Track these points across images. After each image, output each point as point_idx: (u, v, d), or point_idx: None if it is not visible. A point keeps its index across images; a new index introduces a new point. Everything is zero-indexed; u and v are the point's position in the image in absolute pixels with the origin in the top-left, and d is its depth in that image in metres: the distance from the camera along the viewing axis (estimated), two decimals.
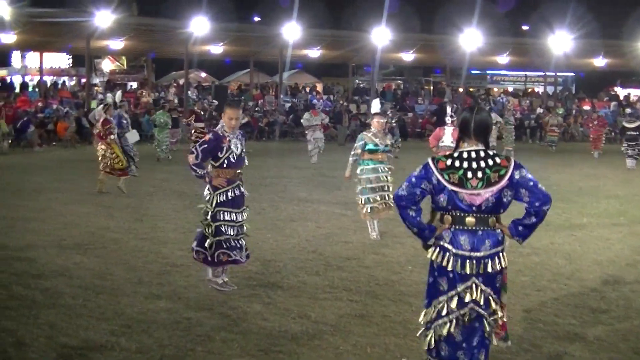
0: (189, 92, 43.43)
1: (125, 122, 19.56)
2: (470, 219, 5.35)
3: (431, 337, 5.51)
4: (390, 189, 12.20)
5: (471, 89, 56.21)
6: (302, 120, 28.72)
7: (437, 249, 5.47)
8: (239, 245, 8.82)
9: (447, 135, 13.85)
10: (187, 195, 16.26)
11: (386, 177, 12.40)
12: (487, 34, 44.21)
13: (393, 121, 30.35)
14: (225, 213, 8.69)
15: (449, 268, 5.39)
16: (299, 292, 8.72)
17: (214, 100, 37.95)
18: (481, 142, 5.46)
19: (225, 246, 8.71)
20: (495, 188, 5.30)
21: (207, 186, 8.76)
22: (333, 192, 17.64)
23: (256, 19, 55.38)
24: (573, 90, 59.78)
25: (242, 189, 8.88)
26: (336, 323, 7.54)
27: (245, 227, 8.98)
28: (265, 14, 50.57)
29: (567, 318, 7.84)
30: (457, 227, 5.40)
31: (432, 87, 58.57)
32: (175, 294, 8.50)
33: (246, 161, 9.02)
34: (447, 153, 5.59)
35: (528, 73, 60.34)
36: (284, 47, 43.36)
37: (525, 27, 56.88)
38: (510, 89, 58.26)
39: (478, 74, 59.27)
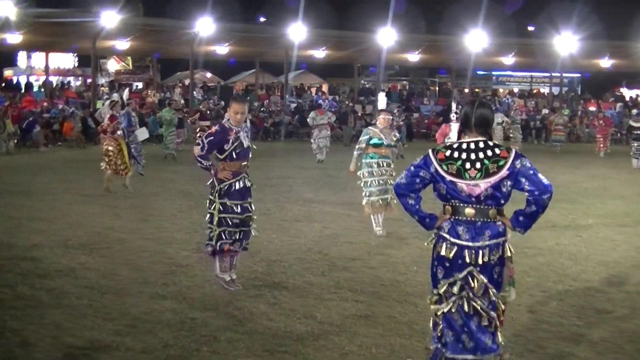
0: (195, 92, 43.47)
1: (133, 119, 19.59)
2: (469, 210, 5.39)
3: (437, 322, 5.59)
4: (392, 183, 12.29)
5: (477, 90, 56.18)
6: (308, 120, 28.74)
7: (437, 238, 5.56)
8: (238, 237, 8.79)
9: (454, 132, 13.89)
10: (192, 196, 16.27)
11: (388, 171, 12.48)
12: (492, 35, 44.20)
13: (400, 120, 30.34)
14: (229, 205, 8.68)
15: (446, 256, 5.46)
16: (304, 293, 8.72)
17: (221, 101, 38.00)
18: (482, 135, 5.50)
19: (225, 237, 8.70)
20: (493, 179, 5.33)
21: (213, 178, 8.76)
22: (339, 192, 17.63)
23: (262, 19, 55.46)
24: (579, 91, 59.71)
25: (248, 182, 8.88)
26: (341, 323, 7.53)
27: (251, 219, 8.97)
28: (271, 14, 50.66)
29: (573, 319, 7.83)
30: (456, 217, 5.45)
31: (437, 88, 58.55)
32: (180, 294, 8.50)
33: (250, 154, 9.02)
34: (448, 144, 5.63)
35: (534, 74, 60.27)
36: (290, 47, 43.36)
37: (531, 28, 56.91)
38: (516, 90, 58.19)
39: (483, 75, 59.23)
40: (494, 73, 60.15)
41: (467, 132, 5.55)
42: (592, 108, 49.23)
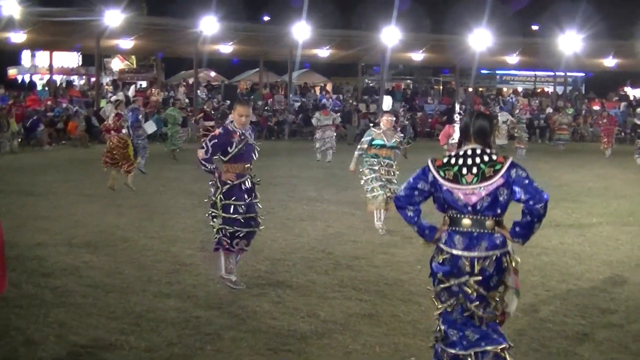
0: (199, 91, 43.49)
1: (141, 115, 19.66)
2: (466, 221, 5.40)
3: (439, 324, 5.62)
4: (395, 182, 12.40)
5: (480, 89, 56.16)
6: (312, 120, 28.73)
7: (436, 248, 5.59)
8: (236, 235, 8.79)
9: (457, 133, 13.91)
10: (196, 194, 16.25)
11: (390, 171, 12.54)
12: (496, 34, 44.15)
13: (405, 120, 30.34)
14: (232, 206, 8.69)
15: (442, 265, 5.50)
16: (308, 291, 8.73)
17: (226, 101, 38.02)
18: (480, 144, 5.52)
19: (230, 235, 8.72)
20: (489, 183, 5.33)
21: (216, 180, 8.77)
22: (342, 191, 17.63)
23: (266, 18, 55.44)
24: (583, 90, 59.63)
25: (252, 182, 8.89)
26: (345, 322, 7.54)
27: (256, 220, 8.99)
28: (275, 13, 50.61)
29: (576, 318, 7.82)
30: (453, 228, 5.47)
31: (441, 87, 58.53)
32: (184, 293, 8.51)
33: (255, 155, 9.03)
34: (449, 153, 5.67)
35: (538, 73, 60.18)
36: (294, 46, 43.39)
37: (535, 27, 56.81)
38: (520, 89, 58.14)
39: (487, 74, 59.20)
40: (498, 72, 60.14)
41: (466, 143, 5.57)
42: (596, 107, 49.13)
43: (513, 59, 50.68)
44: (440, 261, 5.51)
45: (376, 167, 12.59)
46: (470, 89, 51.77)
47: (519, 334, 7.05)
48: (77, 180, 19.12)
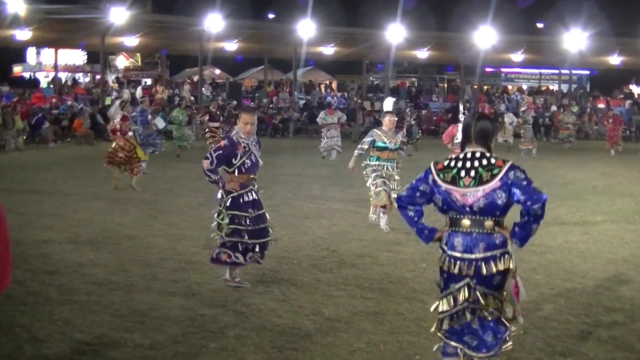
0: (203, 88, 43.51)
1: (150, 116, 19.73)
2: (465, 221, 5.45)
3: (439, 328, 5.67)
4: (396, 183, 12.59)
5: (485, 87, 56.12)
6: (317, 119, 28.75)
7: (439, 251, 5.64)
8: (246, 248, 8.79)
9: (461, 133, 13.90)
10: (201, 192, 16.25)
11: (391, 174, 12.61)
12: (501, 32, 44.16)
13: (412, 119, 30.36)
14: (235, 217, 8.70)
15: (444, 268, 5.56)
16: (312, 290, 8.73)
17: (233, 101, 38.06)
18: (481, 146, 5.55)
19: (227, 246, 8.72)
20: (487, 187, 5.36)
21: (220, 190, 8.78)
22: (347, 189, 17.63)
23: (270, 16, 55.45)
24: (588, 88, 59.55)
25: (256, 194, 8.90)
26: (349, 320, 7.53)
27: (267, 230, 9.00)
28: (280, 11, 50.67)
29: (581, 317, 7.81)
30: (453, 229, 5.52)
31: (446, 85, 58.51)
32: (189, 291, 8.51)
33: (258, 167, 9.04)
34: (450, 156, 5.72)
35: (542, 71, 60.15)
36: (299, 44, 43.39)
37: (540, 25, 56.75)
38: (525, 87, 58.09)
39: (492, 72, 59.17)
40: (502, 70, 60.07)
41: (467, 145, 5.62)
42: (601, 105, 49.08)
43: (518, 56, 50.68)
44: (441, 263, 5.57)
45: (378, 169, 12.69)
46: (475, 87, 51.72)
47: (523, 332, 7.03)
48: (82, 177, 19.14)
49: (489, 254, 5.40)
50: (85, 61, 52.25)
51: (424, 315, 7.63)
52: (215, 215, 8.92)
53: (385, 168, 12.64)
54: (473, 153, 5.50)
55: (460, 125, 14.06)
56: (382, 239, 11.88)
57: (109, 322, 7.27)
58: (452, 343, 5.59)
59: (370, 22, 48.45)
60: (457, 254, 5.46)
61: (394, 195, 12.30)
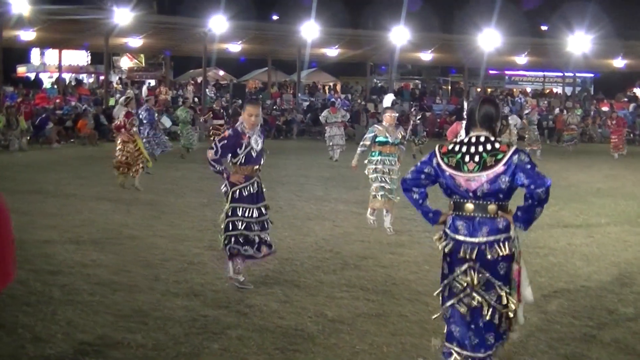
0: (207, 90, 43.53)
1: (156, 114, 19.76)
2: (469, 205, 5.48)
3: (447, 317, 5.68)
4: (396, 185, 12.50)
5: (489, 89, 56.09)
6: (320, 117, 28.76)
7: (442, 234, 5.68)
8: (255, 240, 8.82)
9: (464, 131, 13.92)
10: (204, 193, 16.28)
11: (392, 169, 12.60)
12: (505, 34, 44.13)
13: (417, 119, 30.34)
14: (240, 209, 8.71)
15: (446, 251, 5.60)
16: (315, 291, 8.72)
17: (238, 100, 38.09)
18: (486, 130, 5.56)
19: (235, 241, 8.73)
20: (490, 172, 5.37)
21: (225, 182, 8.79)
22: (350, 191, 17.63)
23: (274, 17, 55.50)
24: (591, 91, 59.50)
25: (260, 186, 8.91)
26: (352, 322, 7.53)
27: (267, 223, 9.00)
28: (284, 12, 50.73)
29: (584, 320, 7.81)
30: (457, 213, 5.56)
31: (449, 87, 58.51)
32: (192, 292, 8.52)
33: (263, 158, 9.04)
34: (455, 139, 5.73)
35: (546, 73, 60.14)
36: (302, 46, 43.40)
37: (544, 28, 56.70)
38: (529, 90, 58.07)
39: (496, 74, 59.15)
40: (506, 72, 60.07)
41: (472, 129, 5.62)
42: (605, 108, 49.02)
43: (522, 59, 50.67)
44: (444, 247, 5.61)
45: (379, 167, 12.67)
46: (479, 89, 51.68)
47: (526, 335, 7.03)
48: (86, 178, 19.15)
49: (492, 238, 5.42)
50: (89, 62, 52.33)
51: (426, 317, 7.63)
52: (222, 207, 8.93)
53: (387, 163, 12.64)
54: (477, 137, 5.51)
55: (464, 123, 14.12)
56: (385, 241, 11.87)
57: (111, 323, 7.28)
58: (454, 347, 5.59)
59: (374, 24, 48.46)
60: (460, 237, 5.49)
61: (397, 199, 12.42)
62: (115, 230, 12.18)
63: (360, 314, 7.82)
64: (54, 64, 48.58)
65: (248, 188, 8.74)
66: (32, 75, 49.94)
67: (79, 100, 39.46)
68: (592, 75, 60.24)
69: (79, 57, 51.45)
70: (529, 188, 5.32)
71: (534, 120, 30.81)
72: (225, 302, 8.12)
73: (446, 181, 5.53)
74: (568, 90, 54.17)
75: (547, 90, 58.31)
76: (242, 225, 8.71)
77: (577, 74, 53.97)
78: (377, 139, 12.70)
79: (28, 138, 29.86)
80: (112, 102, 36.75)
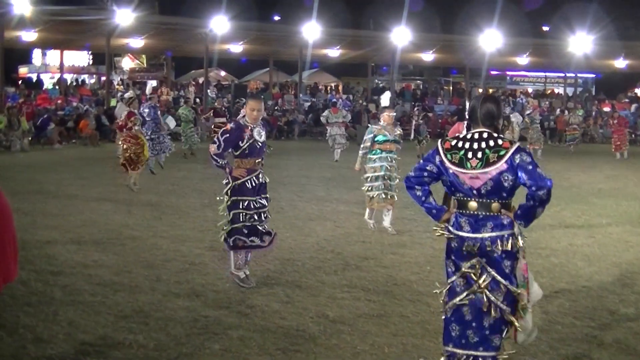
0: (209, 90, 43.54)
1: (159, 112, 19.77)
2: (472, 203, 5.48)
3: (448, 318, 5.67)
4: (395, 182, 12.65)
5: (490, 90, 56.06)
6: (321, 117, 28.76)
7: (446, 231, 5.67)
8: (259, 231, 8.84)
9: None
10: (206, 194, 16.27)
11: (392, 166, 12.63)
12: (507, 35, 44.12)
13: (420, 119, 30.37)
14: (243, 202, 8.73)
15: (452, 248, 5.62)
16: (317, 292, 8.72)
17: (241, 99, 38.13)
18: (488, 127, 5.57)
19: (241, 232, 8.73)
20: (493, 168, 5.37)
21: (227, 175, 8.79)
22: (352, 191, 17.60)
23: (276, 18, 55.51)
24: (593, 91, 59.47)
25: (262, 178, 8.92)
26: (354, 323, 7.53)
27: (265, 214, 9.01)
28: (285, 13, 50.75)
29: (586, 320, 7.80)
30: (461, 211, 5.56)
31: (451, 88, 58.49)
32: (193, 292, 8.52)
33: (265, 151, 9.06)
34: (457, 135, 5.74)
35: (548, 74, 60.07)
36: (304, 46, 43.40)
37: (545, 28, 56.70)
38: (530, 90, 58.04)
39: (497, 75, 59.12)
40: (508, 73, 60.04)
41: (474, 126, 5.64)
42: (607, 109, 48.98)
43: (523, 59, 50.66)
44: (449, 243, 5.62)
45: (377, 165, 12.69)
46: (480, 90, 51.68)
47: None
48: (87, 178, 19.15)
49: (495, 233, 5.43)
50: (91, 62, 52.34)
51: (428, 317, 7.64)
52: (222, 199, 8.95)
53: (387, 160, 12.65)
54: (480, 133, 5.52)
55: (466, 123, 14.12)
56: (387, 242, 11.87)
57: (113, 323, 7.28)
58: (446, 348, 5.60)
59: (375, 25, 48.46)
60: (464, 234, 5.50)
61: (392, 193, 12.47)
62: (116, 230, 12.18)
63: (361, 315, 7.82)
64: (55, 65, 48.59)
65: (250, 181, 8.75)
66: (33, 76, 49.94)
67: (81, 100, 39.49)
68: (593, 75, 60.19)
69: (81, 58, 51.48)
70: (530, 189, 5.32)
71: (537, 120, 30.70)
72: (226, 303, 8.12)
73: (450, 178, 5.53)
74: (569, 91, 54.14)
75: (549, 91, 58.28)
76: (245, 217, 8.73)
77: (579, 75, 53.93)
78: (376, 139, 12.72)
79: (29, 139, 29.88)
80: (113, 102, 36.77)
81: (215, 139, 8.69)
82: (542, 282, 9.20)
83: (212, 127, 24.76)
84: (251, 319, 7.58)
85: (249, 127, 8.74)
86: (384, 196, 12.54)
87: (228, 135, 8.67)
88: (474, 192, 5.44)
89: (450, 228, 5.59)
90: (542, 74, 60.52)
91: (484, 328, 5.48)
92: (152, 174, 18.86)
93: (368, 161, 12.83)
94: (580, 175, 22.92)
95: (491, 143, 5.43)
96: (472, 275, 5.48)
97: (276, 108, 42.66)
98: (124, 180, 16.96)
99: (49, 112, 34.01)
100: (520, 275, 5.57)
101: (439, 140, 5.68)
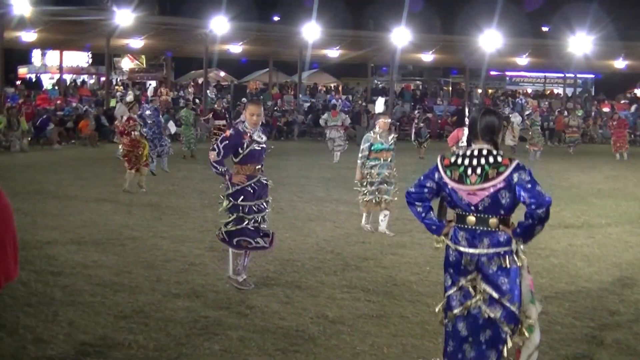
0: (208, 91, 43.55)
1: (160, 114, 19.78)
2: (470, 218, 5.48)
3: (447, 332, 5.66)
4: (392, 186, 12.68)
5: (490, 90, 56.08)
6: (320, 120, 28.77)
7: (445, 245, 5.67)
8: (261, 233, 8.84)
9: (466, 137, 13.90)
10: (206, 194, 16.28)
11: (390, 173, 12.64)
12: (506, 35, 44.13)
13: (420, 122, 30.45)
14: (244, 206, 8.72)
15: (450, 262, 5.62)
16: (316, 292, 8.72)
17: (242, 100, 38.15)
18: (487, 142, 5.55)
19: (245, 233, 8.73)
20: (490, 185, 5.35)
21: (227, 182, 8.79)
22: (351, 192, 17.47)
23: (276, 18, 55.52)
24: (592, 92, 59.49)
25: (264, 181, 8.92)
26: (353, 323, 7.53)
27: (264, 217, 9.02)
28: (285, 13, 50.75)
29: (585, 321, 7.80)
30: (459, 225, 5.57)
31: (450, 88, 58.50)
32: (193, 293, 8.52)
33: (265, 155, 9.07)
34: (457, 152, 5.72)
35: (547, 74, 60.09)
36: (304, 47, 43.42)
37: (545, 28, 56.70)
38: (530, 91, 58.06)
39: (497, 75, 59.14)
40: (507, 73, 60.05)
41: (474, 140, 5.62)
42: (606, 109, 49.00)
43: (523, 60, 50.69)
44: (447, 257, 5.63)
45: (374, 171, 12.70)
46: (480, 90, 51.69)
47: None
48: (87, 179, 19.15)
49: (492, 250, 5.42)
50: (90, 63, 52.35)
51: (428, 318, 7.64)
52: (223, 202, 8.94)
53: (385, 167, 12.66)
54: (480, 150, 5.50)
55: (465, 129, 14.10)
56: (386, 242, 11.87)
57: (113, 324, 7.28)
58: None
59: (375, 25, 48.47)
60: (461, 249, 5.50)
61: (388, 198, 12.48)
62: (116, 231, 12.18)
63: (361, 315, 7.82)
64: (55, 65, 48.61)
65: (250, 187, 8.74)
66: (35, 76, 49.96)
67: (80, 101, 39.51)
68: (593, 76, 60.22)
69: (80, 58, 51.50)
70: (529, 207, 5.30)
71: (538, 121, 30.67)
72: (226, 303, 8.12)
73: (449, 193, 5.54)
74: (569, 91, 54.15)
75: (548, 91, 58.28)
76: (247, 221, 8.73)
77: (578, 75, 53.96)
78: (373, 147, 12.72)
79: (29, 139, 29.89)
80: (113, 103, 36.80)
81: (215, 146, 8.68)
82: (542, 283, 9.24)
83: (212, 129, 24.80)
84: (251, 319, 7.58)
85: (248, 133, 8.73)
86: (377, 200, 12.55)
87: (227, 142, 8.66)
88: (472, 207, 5.44)
89: (449, 242, 5.60)
90: (542, 74, 60.54)
91: (481, 343, 5.46)
92: (152, 174, 18.85)
93: (367, 168, 12.83)
94: (580, 176, 22.92)
95: (490, 159, 5.42)
96: (470, 289, 5.49)
97: (276, 108, 42.66)
98: (123, 184, 16.90)
99: (48, 112, 34.01)
100: (527, 291, 5.55)
101: (438, 157, 5.66)
